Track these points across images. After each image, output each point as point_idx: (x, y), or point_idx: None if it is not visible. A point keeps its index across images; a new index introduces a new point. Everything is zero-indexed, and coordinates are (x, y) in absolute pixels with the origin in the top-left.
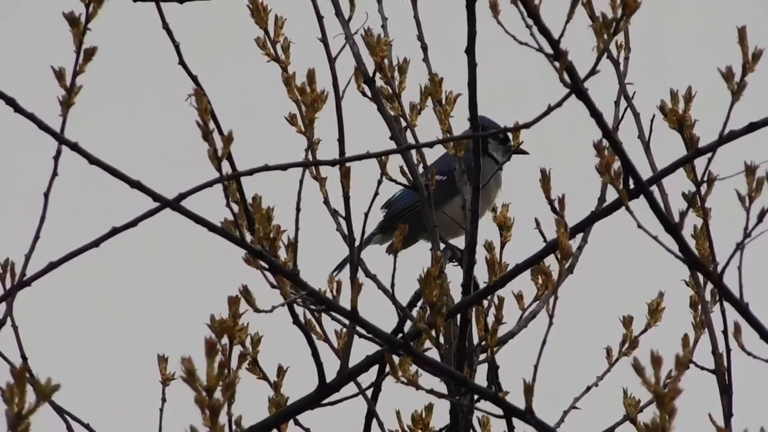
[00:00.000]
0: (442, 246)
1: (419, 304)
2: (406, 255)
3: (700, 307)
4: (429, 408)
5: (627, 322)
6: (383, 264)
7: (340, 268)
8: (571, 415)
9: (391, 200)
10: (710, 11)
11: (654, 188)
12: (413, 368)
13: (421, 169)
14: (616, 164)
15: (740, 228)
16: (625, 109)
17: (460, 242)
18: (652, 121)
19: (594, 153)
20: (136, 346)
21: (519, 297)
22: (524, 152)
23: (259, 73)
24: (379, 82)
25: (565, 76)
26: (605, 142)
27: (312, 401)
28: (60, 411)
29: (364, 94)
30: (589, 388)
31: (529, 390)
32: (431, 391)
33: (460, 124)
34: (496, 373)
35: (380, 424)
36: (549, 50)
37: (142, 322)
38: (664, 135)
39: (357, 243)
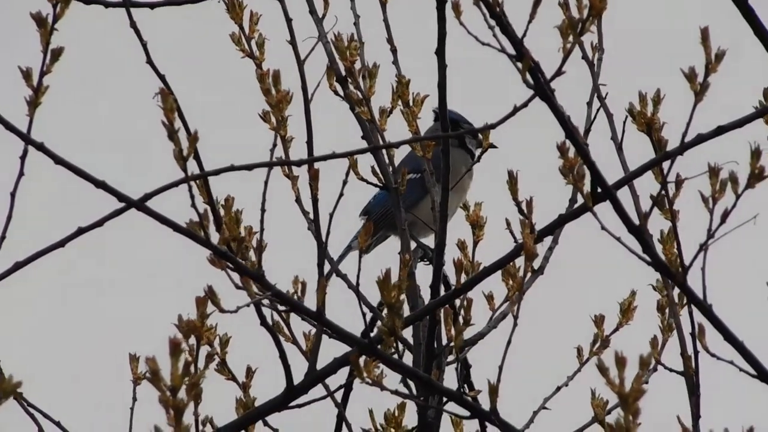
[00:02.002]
0: (413, 245)
1: None
2: (380, 255)
3: (667, 309)
4: (401, 406)
5: (599, 321)
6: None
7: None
8: (540, 415)
9: (369, 206)
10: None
11: (625, 190)
12: (379, 369)
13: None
14: (583, 166)
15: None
16: (598, 110)
17: (432, 241)
18: (624, 122)
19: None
20: (105, 346)
21: (489, 297)
22: (493, 146)
23: (235, 69)
24: (350, 86)
25: (528, 77)
26: (569, 144)
27: (279, 404)
28: (29, 408)
29: (336, 92)
30: (559, 389)
31: (494, 390)
32: (396, 392)
33: (426, 124)
34: (468, 373)
35: (348, 426)
36: (512, 51)
37: (109, 323)
38: (638, 135)
39: (325, 244)
